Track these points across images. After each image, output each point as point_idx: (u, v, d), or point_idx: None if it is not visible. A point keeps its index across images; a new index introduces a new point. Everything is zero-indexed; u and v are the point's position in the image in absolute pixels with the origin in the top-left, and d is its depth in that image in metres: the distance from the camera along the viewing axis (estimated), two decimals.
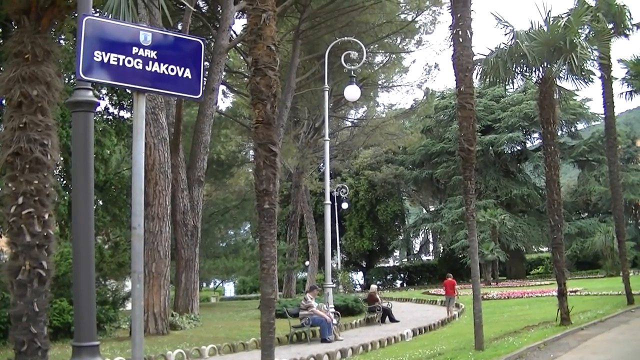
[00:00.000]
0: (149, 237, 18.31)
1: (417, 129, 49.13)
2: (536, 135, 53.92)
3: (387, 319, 22.44)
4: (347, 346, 14.38)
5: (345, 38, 24.73)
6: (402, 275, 66.54)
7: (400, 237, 67.26)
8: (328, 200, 20.28)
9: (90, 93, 7.39)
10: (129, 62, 5.68)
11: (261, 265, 7.82)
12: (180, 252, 22.55)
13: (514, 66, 17.60)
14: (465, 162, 13.38)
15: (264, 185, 7.75)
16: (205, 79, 22.33)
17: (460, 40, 13.28)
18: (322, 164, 43.27)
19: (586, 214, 57.33)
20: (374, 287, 25.91)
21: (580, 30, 17.97)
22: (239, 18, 29.24)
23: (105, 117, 23.62)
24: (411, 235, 66.21)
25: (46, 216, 7.18)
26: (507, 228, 48.30)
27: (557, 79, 17.63)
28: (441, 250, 65.35)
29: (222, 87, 34.30)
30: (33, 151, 7.11)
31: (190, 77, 6.04)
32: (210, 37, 27.71)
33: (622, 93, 25.37)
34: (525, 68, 17.88)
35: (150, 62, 5.80)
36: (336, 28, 30.62)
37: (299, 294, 34.83)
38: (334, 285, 27.20)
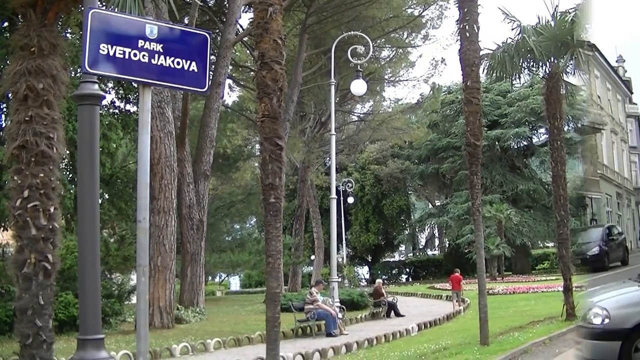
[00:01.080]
0: (155, 231, 18.32)
1: (424, 124, 48.96)
2: (543, 130, 53.41)
3: (392, 313, 22.44)
4: (352, 340, 14.38)
5: (352, 32, 24.66)
6: (407, 269, 66.46)
7: (406, 232, 67.17)
8: (334, 195, 20.27)
9: (96, 86, 7.41)
10: (135, 55, 5.67)
11: (267, 259, 7.82)
12: (186, 246, 22.60)
13: (521, 61, 17.49)
14: (472, 157, 13.34)
15: (270, 179, 7.75)
16: (211, 72, 22.36)
17: (467, 34, 13.22)
18: (328, 158, 43.28)
19: None
20: (379, 281, 25.90)
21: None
22: (246, 12, 29.21)
23: (111, 110, 23.56)
24: (417, 230, 66.12)
25: (52, 209, 7.18)
26: (513, 223, 48.10)
27: (563, 74, 17.54)
28: (447, 245, 65.21)
29: (228, 81, 34.26)
30: (39, 144, 7.12)
31: (196, 70, 6.03)
32: (217, 31, 27.70)
33: None
34: (532, 63, 17.76)
35: (156, 56, 5.79)
36: (343, 22, 30.56)
37: (305, 288, 34.82)
38: (340, 280, 27.21)
